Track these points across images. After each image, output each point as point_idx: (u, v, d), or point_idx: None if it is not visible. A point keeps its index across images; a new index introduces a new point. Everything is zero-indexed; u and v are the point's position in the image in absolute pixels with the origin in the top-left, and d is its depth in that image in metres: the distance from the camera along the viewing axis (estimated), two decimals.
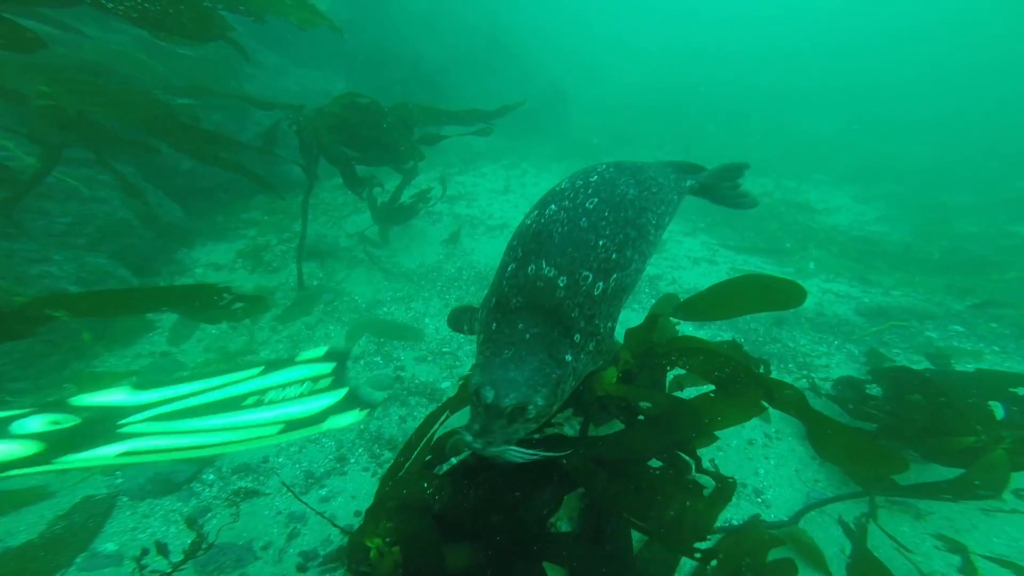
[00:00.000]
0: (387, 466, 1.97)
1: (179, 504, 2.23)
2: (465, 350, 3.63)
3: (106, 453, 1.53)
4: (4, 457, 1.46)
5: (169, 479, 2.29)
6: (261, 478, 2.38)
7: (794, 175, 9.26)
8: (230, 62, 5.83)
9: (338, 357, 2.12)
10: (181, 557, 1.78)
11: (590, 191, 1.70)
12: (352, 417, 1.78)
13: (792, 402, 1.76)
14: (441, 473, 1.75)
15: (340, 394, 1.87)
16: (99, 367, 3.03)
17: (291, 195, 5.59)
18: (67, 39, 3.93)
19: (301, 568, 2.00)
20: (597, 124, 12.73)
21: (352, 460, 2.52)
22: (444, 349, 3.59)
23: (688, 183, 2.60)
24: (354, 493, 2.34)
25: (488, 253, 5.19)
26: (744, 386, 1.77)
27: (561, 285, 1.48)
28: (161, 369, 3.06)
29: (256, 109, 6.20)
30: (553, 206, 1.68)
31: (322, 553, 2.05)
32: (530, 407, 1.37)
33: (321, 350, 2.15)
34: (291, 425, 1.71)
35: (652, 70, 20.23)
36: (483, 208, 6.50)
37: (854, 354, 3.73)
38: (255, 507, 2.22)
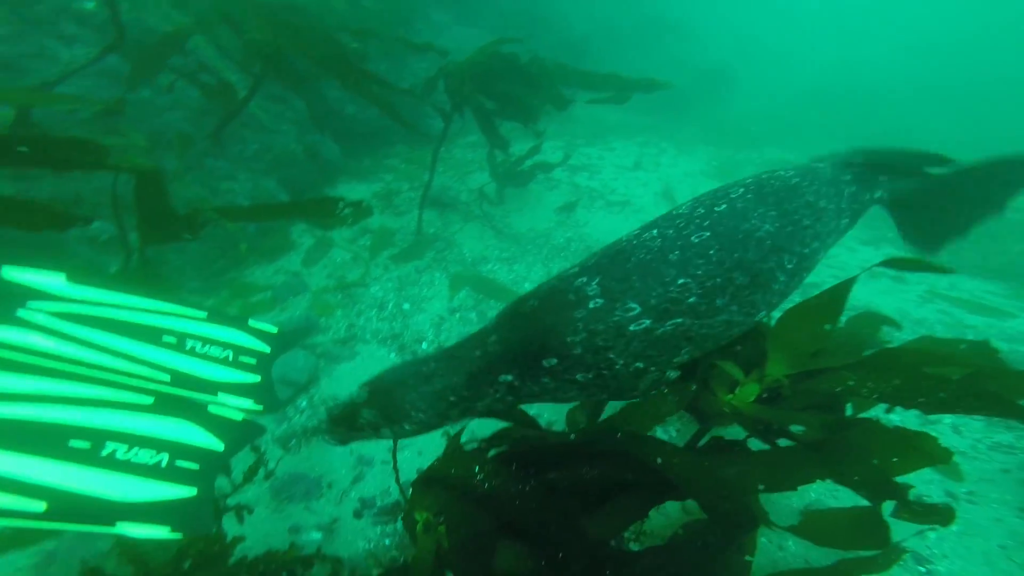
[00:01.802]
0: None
1: (272, 425, 2.33)
2: None
3: None
4: None
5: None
6: None
7: None
8: (403, 15, 6.17)
9: (280, 344, 1.83)
10: (258, 478, 1.75)
11: (706, 223, 1.39)
12: (244, 405, 1.51)
13: None
14: (493, 456, 1.47)
15: (253, 379, 1.61)
16: (248, 277, 3.48)
17: (428, 148, 5.80)
18: None
19: (357, 514, 1.95)
20: (762, 110, 10.63)
21: None
22: None
23: (877, 194, 1.75)
24: (421, 449, 2.22)
25: (602, 228, 4.66)
26: None
27: (591, 307, 1.29)
28: (290, 288, 3.38)
29: (414, 62, 6.55)
30: (655, 231, 1.43)
31: (379, 504, 1.97)
32: (384, 430, 1.38)
33: (274, 328, 1.85)
34: (185, 382, 1.48)
35: (840, 57, 16.14)
36: (606, 182, 5.89)
37: None
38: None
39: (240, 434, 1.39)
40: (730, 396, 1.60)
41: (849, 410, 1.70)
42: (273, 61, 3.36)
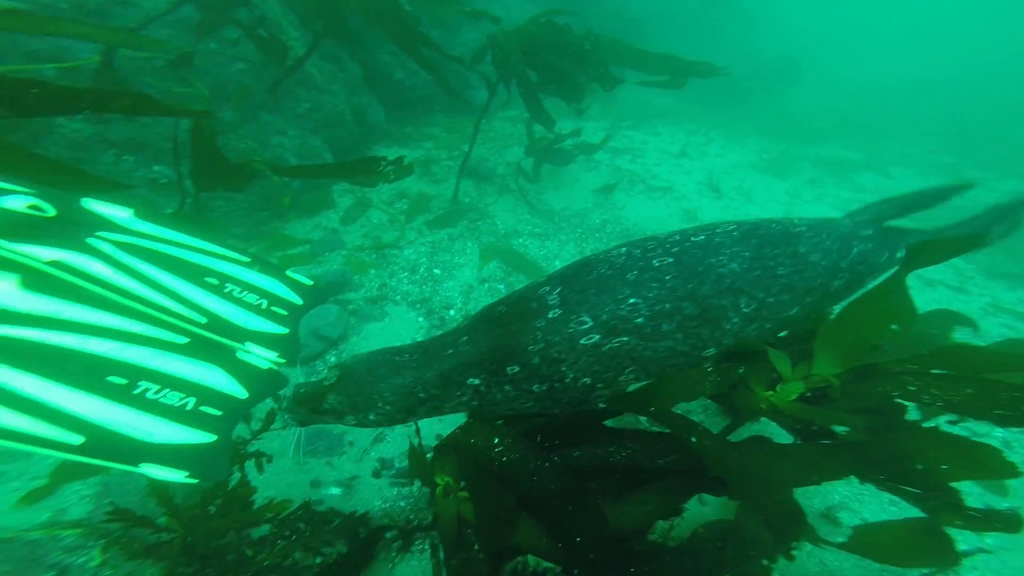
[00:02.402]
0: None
1: (301, 379, 2.37)
2: None
3: (36, 255, 1.32)
4: None
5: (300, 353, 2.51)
6: None
7: None
8: None
9: (313, 297, 1.80)
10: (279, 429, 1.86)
11: (674, 249, 1.40)
12: (269, 355, 1.48)
13: None
14: (515, 431, 1.43)
15: (282, 331, 1.57)
16: (288, 230, 3.57)
17: (467, 120, 5.73)
18: None
19: (376, 473, 1.98)
20: (827, 105, 9.85)
21: None
22: None
23: (899, 254, 1.65)
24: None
25: (641, 213, 4.48)
26: None
27: (549, 316, 1.31)
28: (327, 243, 3.45)
29: (465, 31, 6.41)
30: (624, 249, 1.45)
31: (397, 465, 2.00)
32: (348, 417, 1.36)
33: (310, 281, 1.81)
34: (218, 326, 1.47)
35: (915, 55, 14.54)
36: (648, 167, 5.64)
37: None
38: None
39: (265, 383, 1.35)
40: (769, 393, 1.50)
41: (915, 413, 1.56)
42: (333, 18, 3.34)
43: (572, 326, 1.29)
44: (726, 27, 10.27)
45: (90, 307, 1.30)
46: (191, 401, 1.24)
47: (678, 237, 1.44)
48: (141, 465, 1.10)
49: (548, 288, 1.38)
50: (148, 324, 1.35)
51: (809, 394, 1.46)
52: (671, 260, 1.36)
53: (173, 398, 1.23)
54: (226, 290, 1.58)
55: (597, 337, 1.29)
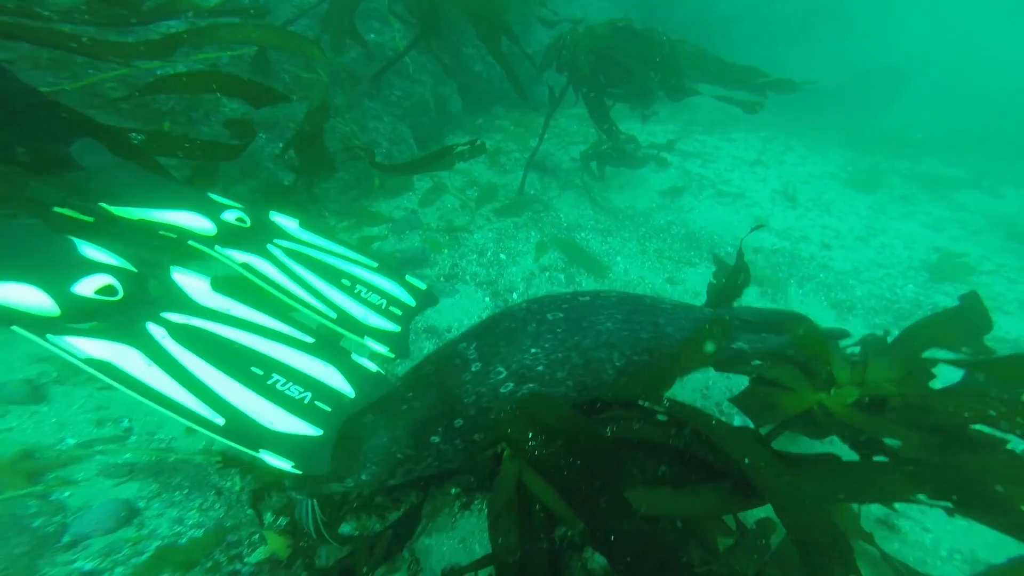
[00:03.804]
0: None
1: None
2: None
3: (233, 258, 1.64)
4: (189, 227, 1.64)
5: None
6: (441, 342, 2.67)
7: None
8: None
9: (425, 300, 1.98)
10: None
11: (565, 306, 1.59)
12: (382, 350, 1.66)
13: None
14: (571, 406, 1.45)
15: (394, 328, 1.75)
16: (374, 207, 3.92)
17: (535, 115, 5.86)
18: None
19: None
20: (930, 118, 8.87)
21: None
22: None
23: (735, 345, 1.78)
24: None
25: (709, 217, 4.39)
26: None
27: (473, 370, 1.44)
28: (407, 222, 3.75)
29: (541, 31, 6.54)
30: (524, 304, 1.63)
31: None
32: (348, 480, 1.35)
33: (424, 285, 2.02)
34: (345, 321, 1.66)
35: None
36: (719, 172, 5.46)
37: None
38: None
39: (371, 385, 1.47)
40: (823, 395, 1.49)
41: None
42: (433, 12, 3.59)
43: (492, 377, 1.43)
44: (822, 33, 9.51)
45: (250, 306, 1.55)
46: (308, 396, 1.35)
47: (568, 296, 1.65)
48: (260, 451, 1.22)
49: (465, 344, 1.51)
50: (287, 323, 1.55)
51: (869, 401, 1.45)
52: (561, 315, 1.54)
53: (295, 391, 1.35)
54: (356, 291, 1.82)
55: (512, 385, 1.43)
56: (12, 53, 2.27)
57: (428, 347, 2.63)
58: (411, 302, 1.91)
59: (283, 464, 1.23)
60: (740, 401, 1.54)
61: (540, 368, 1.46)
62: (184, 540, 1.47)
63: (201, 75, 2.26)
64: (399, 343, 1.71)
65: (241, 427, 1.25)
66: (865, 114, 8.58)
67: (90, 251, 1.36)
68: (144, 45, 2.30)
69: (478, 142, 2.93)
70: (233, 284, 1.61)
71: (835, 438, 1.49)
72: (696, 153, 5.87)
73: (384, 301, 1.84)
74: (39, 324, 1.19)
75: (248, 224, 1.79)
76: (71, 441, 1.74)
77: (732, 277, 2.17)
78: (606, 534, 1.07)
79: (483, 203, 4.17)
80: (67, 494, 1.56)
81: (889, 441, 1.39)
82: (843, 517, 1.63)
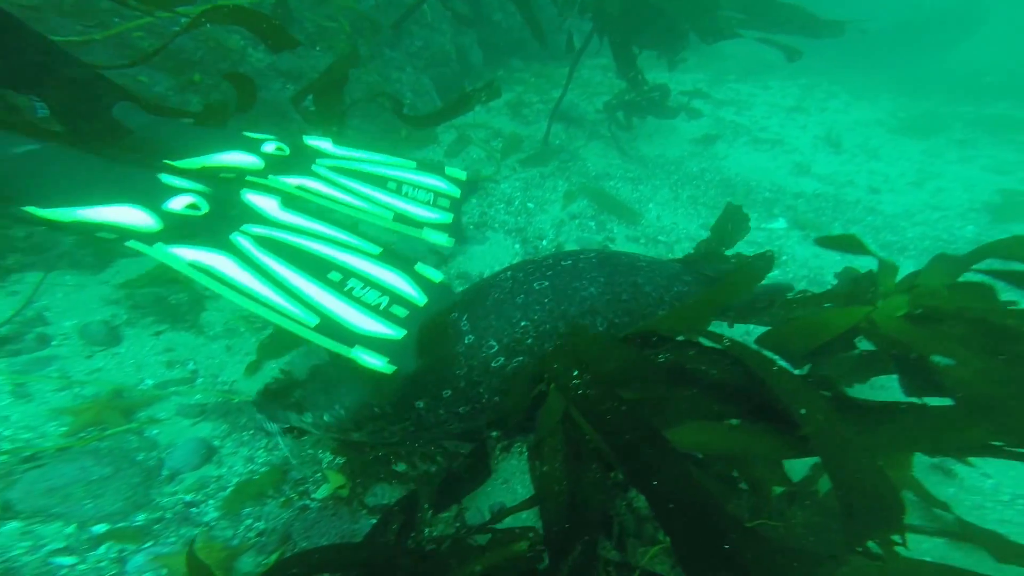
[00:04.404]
0: None
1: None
2: (682, 246, 3.14)
3: (288, 183, 1.73)
4: (242, 165, 1.73)
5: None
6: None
7: None
8: None
9: (468, 188, 2.04)
10: None
11: (548, 272, 1.57)
12: (441, 239, 1.74)
13: None
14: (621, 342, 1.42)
15: (447, 218, 1.83)
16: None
17: (556, 66, 5.60)
18: None
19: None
20: (1006, 60, 8.01)
21: None
22: (660, 237, 3.17)
23: (685, 282, 1.76)
24: None
25: (744, 163, 4.16)
26: None
27: (467, 342, 1.43)
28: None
29: None
30: (509, 272, 1.61)
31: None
32: (306, 414, 1.45)
33: (463, 174, 2.04)
34: (401, 219, 1.75)
35: None
36: (756, 119, 5.13)
37: None
38: None
39: (437, 294, 1.53)
40: (869, 308, 1.37)
41: None
42: None
43: (484, 351, 1.41)
44: None
45: (317, 220, 1.62)
46: (384, 301, 1.41)
47: (551, 261, 1.61)
48: (355, 347, 1.27)
49: (458, 315, 1.49)
50: (353, 235, 1.61)
51: (920, 312, 1.33)
52: (547, 284, 1.52)
53: (372, 296, 1.41)
54: (403, 191, 1.89)
55: (502, 359, 1.42)
56: None
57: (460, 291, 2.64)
58: (455, 192, 1.97)
59: (377, 362, 1.26)
60: (771, 337, 1.41)
61: (530, 341, 1.44)
62: (257, 477, 1.55)
63: (223, 9, 2.20)
64: (455, 230, 1.81)
65: (332, 327, 1.31)
66: (924, 58, 7.83)
67: (171, 181, 1.50)
68: None
69: (494, 84, 2.80)
70: (298, 201, 1.71)
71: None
72: (730, 101, 5.52)
73: (431, 195, 1.91)
74: (146, 238, 1.33)
75: (287, 152, 1.86)
76: (149, 382, 1.83)
77: (720, 226, 2.02)
78: (649, 478, 0.99)
79: (508, 153, 4.05)
80: (155, 432, 1.64)
81: (938, 359, 1.24)
82: (898, 465, 1.53)
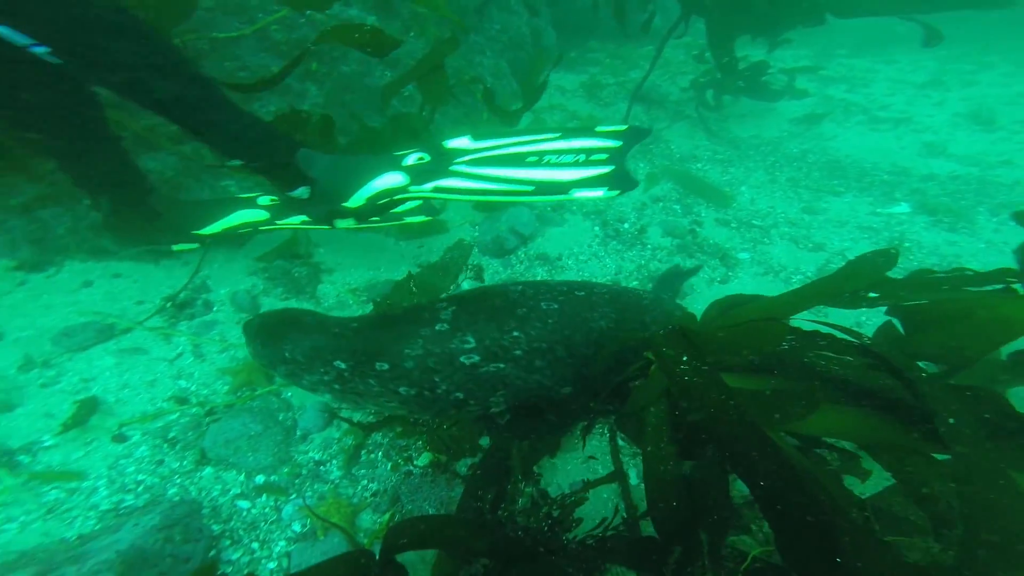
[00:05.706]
0: None
1: (501, 269, 2.64)
2: (780, 230, 2.85)
3: (426, 187, 1.94)
4: (391, 186, 1.94)
5: (502, 246, 2.73)
6: (554, 272, 2.64)
7: None
8: None
9: (636, 137, 1.99)
10: None
11: (560, 297, 1.53)
12: (599, 192, 1.79)
13: None
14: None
15: (602, 171, 1.82)
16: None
17: (631, 46, 5.35)
18: None
19: None
20: None
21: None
22: (754, 221, 2.90)
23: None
24: None
25: (856, 144, 3.66)
26: None
27: (437, 329, 1.40)
28: None
29: None
30: (520, 287, 1.59)
31: None
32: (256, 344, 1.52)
33: (623, 127, 2.01)
34: (542, 188, 1.85)
35: None
36: (873, 96, 4.49)
37: None
38: None
39: (629, 138, 1.88)
40: None
41: None
42: None
43: (456, 343, 1.39)
44: None
45: (503, 137, 2.01)
46: (582, 157, 1.79)
47: (564, 288, 1.61)
48: (571, 192, 1.68)
49: (444, 304, 1.50)
50: (531, 134, 1.97)
51: None
52: (556, 307, 1.50)
53: (568, 159, 1.81)
54: (545, 161, 1.97)
55: (477, 358, 1.39)
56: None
57: (540, 273, 2.62)
58: (615, 143, 2.00)
59: (596, 192, 1.68)
60: (920, 330, 1.24)
61: (518, 352, 1.42)
62: (369, 441, 1.68)
63: (345, 28, 2.35)
64: (617, 179, 1.86)
65: (546, 187, 1.77)
66: None
67: (399, 153, 2.03)
68: None
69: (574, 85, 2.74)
70: (486, 130, 2.18)
71: None
72: (840, 78, 4.89)
73: (581, 156, 1.97)
74: (403, 186, 1.93)
75: (428, 159, 2.03)
76: None
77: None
78: (749, 466, 0.94)
79: None
80: (289, 394, 1.77)
81: None
82: None
